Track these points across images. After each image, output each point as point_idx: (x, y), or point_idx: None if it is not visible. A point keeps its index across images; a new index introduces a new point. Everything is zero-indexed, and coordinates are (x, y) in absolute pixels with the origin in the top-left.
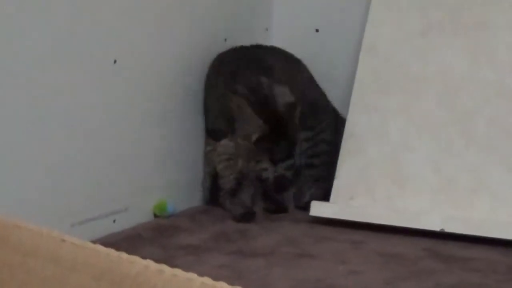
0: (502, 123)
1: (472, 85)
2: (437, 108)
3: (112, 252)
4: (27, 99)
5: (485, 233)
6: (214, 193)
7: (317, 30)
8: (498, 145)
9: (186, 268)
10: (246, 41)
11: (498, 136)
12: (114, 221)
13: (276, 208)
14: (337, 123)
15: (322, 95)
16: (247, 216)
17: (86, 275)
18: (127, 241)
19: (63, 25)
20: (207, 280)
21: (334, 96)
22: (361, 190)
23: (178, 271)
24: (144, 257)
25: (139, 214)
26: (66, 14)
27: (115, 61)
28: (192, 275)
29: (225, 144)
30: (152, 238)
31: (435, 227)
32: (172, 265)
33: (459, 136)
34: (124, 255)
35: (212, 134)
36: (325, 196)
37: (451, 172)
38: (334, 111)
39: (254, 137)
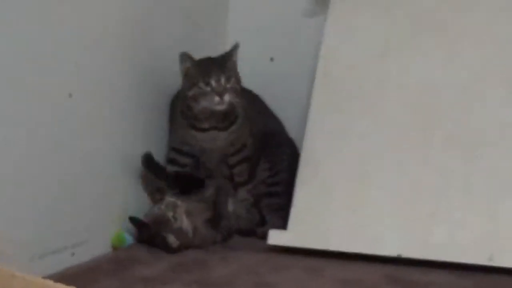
0: (459, 142)
1: (425, 110)
2: (395, 134)
3: (61, 287)
4: None
5: (443, 257)
6: None
7: (271, 59)
8: (455, 167)
9: None
10: None
11: (455, 155)
12: (72, 254)
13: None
14: (293, 151)
15: (278, 124)
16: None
17: None
18: (86, 274)
19: (16, 57)
20: None
21: (290, 126)
22: (319, 217)
23: None
24: None
25: (98, 247)
26: (21, 46)
27: (70, 95)
28: None
29: None
30: (111, 270)
31: (393, 252)
32: None
33: (416, 161)
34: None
35: None
36: (284, 225)
37: (408, 197)
38: (290, 140)
39: None
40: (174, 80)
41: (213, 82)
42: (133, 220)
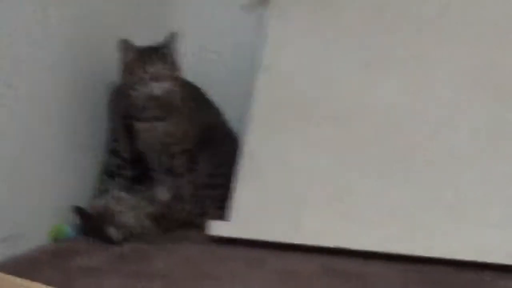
0: (390, 145)
1: (370, 107)
2: (333, 130)
3: (9, 278)
4: None
5: (380, 248)
6: None
7: (215, 52)
8: (391, 169)
9: None
10: None
11: (389, 158)
12: (10, 245)
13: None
14: (235, 144)
15: (220, 117)
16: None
17: None
18: (25, 266)
19: None
20: None
21: (233, 118)
22: (260, 208)
23: None
24: (44, 281)
25: (35, 239)
26: None
27: (9, 86)
28: None
29: None
30: (51, 261)
31: (331, 243)
32: None
33: (355, 156)
34: (19, 280)
35: None
36: (224, 217)
37: (344, 190)
38: (231, 133)
39: None
40: (113, 67)
41: (150, 68)
42: (77, 209)
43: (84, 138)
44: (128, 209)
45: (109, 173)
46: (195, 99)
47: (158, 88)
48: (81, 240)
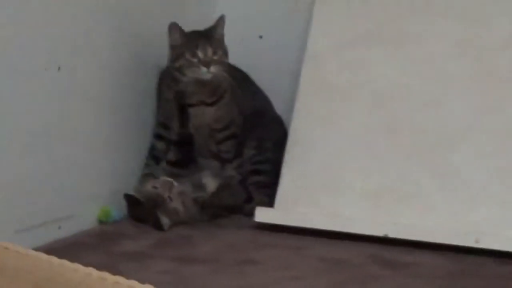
0: (430, 132)
1: (402, 94)
2: (370, 117)
3: (54, 259)
4: None
5: (429, 239)
6: None
7: (260, 37)
8: (426, 154)
9: (129, 275)
10: None
11: (426, 145)
12: (59, 227)
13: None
14: (281, 130)
15: (266, 102)
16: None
17: (29, 283)
18: (71, 248)
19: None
20: (148, 287)
21: (278, 104)
22: (305, 196)
23: (120, 278)
24: (87, 264)
25: (84, 221)
26: (9, 20)
27: (59, 68)
28: (134, 282)
29: None
30: (96, 244)
31: (379, 232)
32: (115, 272)
33: (389, 145)
34: (66, 262)
35: None
36: (271, 203)
37: (394, 181)
38: (278, 119)
39: None
40: (161, 51)
41: (199, 53)
42: (127, 196)
43: (132, 123)
44: (176, 195)
45: (154, 158)
46: (242, 84)
47: (207, 72)
48: (127, 224)
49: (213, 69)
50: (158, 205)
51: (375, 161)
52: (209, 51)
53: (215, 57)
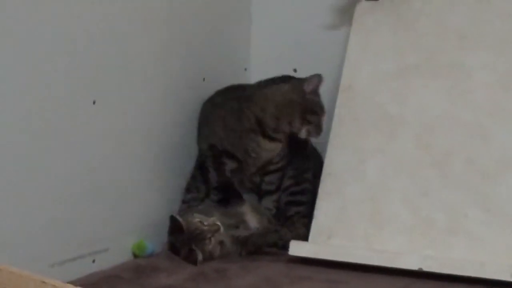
0: (478, 164)
1: (448, 125)
2: (414, 148)
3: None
4: (5, 141)
5: (464, 272)
6: None
7: (295, 70)
8: (474, 186)
9: None
10: (225, 81)
11: (474, 177)
12: (93, 261)
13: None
14: (318, 161)
15: None
16: None
17: None
18: (106, 282)
19: (43, 65)
20: None
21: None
22: (339, 229)
23: None
24: None
25: (118, 254)
26: (46, 54)
27: (94, 102)
28: None
29: None
30: (131, 278)
31: (413, 266)
32: None
33: (436, 177)
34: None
35: None
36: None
37: (428, 212)
38: (315, 150)
39: None
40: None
41: None
42: (173, 219)
43: (168, 152)
44: (217, 242)
45: (197, 187)
46: None
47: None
48: (162, 257)
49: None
50: (197, 241)
51: (419, 193)
52: None
53: None
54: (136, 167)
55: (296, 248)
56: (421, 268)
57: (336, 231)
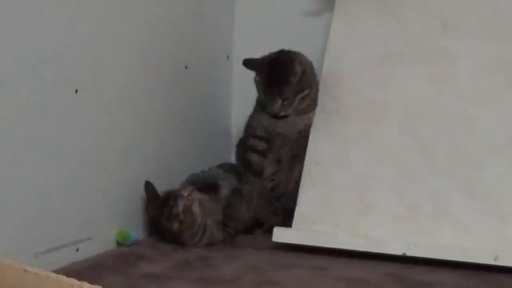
0: (463, 150)
1: (433, 112)
2: (399, 136)
3: (74, 282)
4: None
5: (447, 257)
6: None
7: None
8: (459, 172)
9: None
10: (207, 69)
11: (459, 163)
12: (77, 250)
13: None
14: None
15: None
16: None
17: None
18: (90, 270)
19: (23, 53)
20: None
21: None
22: (324, 216)
23: None
24: (106, 286)
25: (102, 243)
26: (26, 42)
27: (76, 91)
28: None
29: None
30: (115, 267)
31: (397, 251)
32: None
33: (421, 163)
34: (86, 285)
35: None
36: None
37: (413, 199)
38: None
39: None
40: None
41: None
42: (147, 183)
43: (154, 148)
44: (197, 203)
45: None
46: None
47: None
48: (146, 246)
49: None
50: (174, 197)
51: (404, 180)
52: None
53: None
54: (119, 156)
55: (280, 234)
56: (405, 253)
57: (321, 217)
